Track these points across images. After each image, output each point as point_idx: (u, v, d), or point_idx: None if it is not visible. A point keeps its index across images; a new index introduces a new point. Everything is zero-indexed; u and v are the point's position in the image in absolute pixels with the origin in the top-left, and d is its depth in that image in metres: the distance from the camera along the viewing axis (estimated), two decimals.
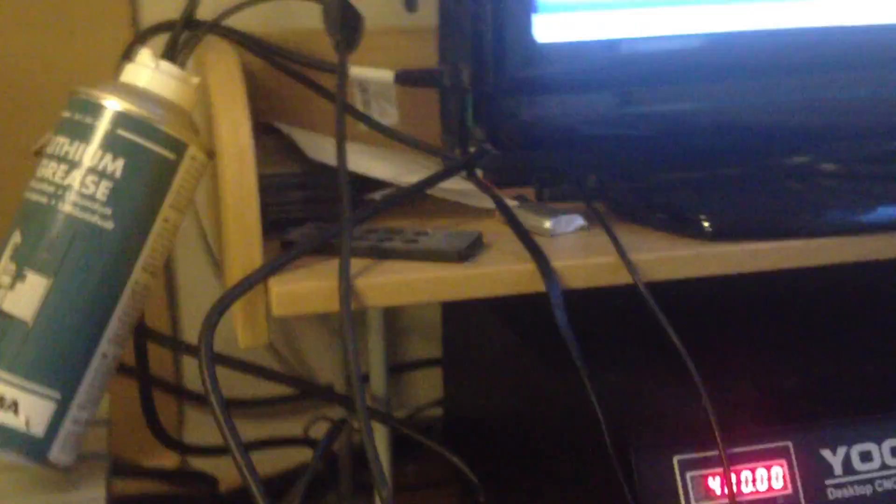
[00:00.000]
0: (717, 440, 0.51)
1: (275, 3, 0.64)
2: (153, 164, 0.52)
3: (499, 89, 0.60)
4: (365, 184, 0.63)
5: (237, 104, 0.53)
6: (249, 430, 0.86)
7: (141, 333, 0.71)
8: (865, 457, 0.54)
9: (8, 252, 0.52)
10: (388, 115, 0.67)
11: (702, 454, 0.52)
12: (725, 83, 0.64)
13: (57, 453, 0.52)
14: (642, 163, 0.65)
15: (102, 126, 0.51)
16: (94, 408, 0.54)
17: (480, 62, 0.60)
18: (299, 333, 0.88)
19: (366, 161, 0.64)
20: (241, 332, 0.55)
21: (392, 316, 0.88)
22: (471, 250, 0.56)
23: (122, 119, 0.51)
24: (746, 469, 0.52)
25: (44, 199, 0.51)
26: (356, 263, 0.54)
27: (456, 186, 0.64)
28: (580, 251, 0.57)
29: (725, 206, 0.61)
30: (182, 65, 0.55)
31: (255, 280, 0.52)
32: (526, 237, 0.57)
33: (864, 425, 0.54)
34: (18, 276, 0.51)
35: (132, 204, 0.52)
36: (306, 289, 0.52)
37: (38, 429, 0.51)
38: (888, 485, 0.53)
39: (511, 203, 0.61)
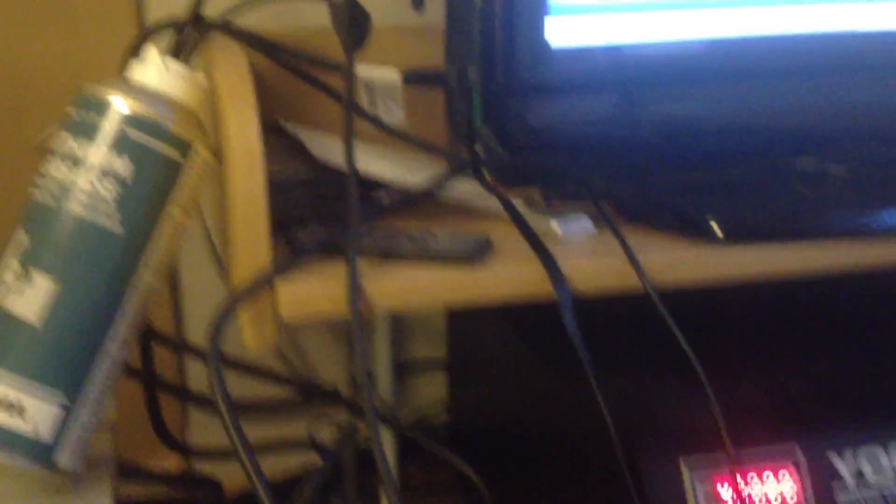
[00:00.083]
0: (725, 443, 0.51)
1: (280, 2, 0.64)
2: (160, 164, 0.52)
3: (508, 90, 0.60)
4: (370, 183, 0.63)
5: (246, 105, 0.53)
6: (251, 432, 0.85)
7: (146, 335, 0.71)
8: (873, 461, 0.54)
9: (13, 252, 0.51)
10: (395, 115, 0.67)
11: (710, 458, 0.51)
12: (734, 86, 0.64)
13: (63, 456, 0.52)
14: (650, 165, 0.65)
15: (109, 125, 0.51)
16: (100, 410, 0.53)
17: (490, 63, 0.60)
18: (302, 334, 0.88)
19: (371, 161, 0.64)
20: (247, 335, 0.54)
21: (396, 318, 0.88)
22: (479, 253, 0.55)
23: (129, 119, 0.51)
24: (754, 472, 0.52)
25: (50, 199, 0.51)
26: (363, 265, 0.53)
27: (463, 188, 0.63)
28: (588, 254, 0.57)
29: (735, 208, 0.61)
30: (188, 63, 0.55)
31: (264, 282, 0.52)
32: (534, 240, 0.56)
33: (872, 429, 0.54)
34: (24, 277, 0.50)
35: (139, 204, 0.51)
36: (314, 292, 0.52)
37: (45, 432, 0.51)
38: None
39: (518, 204, 0.61)
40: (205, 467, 0.85)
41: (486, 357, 0.76)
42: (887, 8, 0.65)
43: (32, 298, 0.50)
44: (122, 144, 0.51)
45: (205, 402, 0.84)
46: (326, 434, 0.81)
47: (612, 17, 0.61)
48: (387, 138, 0.66)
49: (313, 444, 0.85)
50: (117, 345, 0.52)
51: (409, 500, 0.84)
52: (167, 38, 0.61)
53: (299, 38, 0.69)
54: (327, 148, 0.65)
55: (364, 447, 0.80)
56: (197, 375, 0.85)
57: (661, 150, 0.65)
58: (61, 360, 0.51)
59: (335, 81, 0.65)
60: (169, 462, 0.83)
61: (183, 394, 0.85)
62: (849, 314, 0.71)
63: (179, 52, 0.55)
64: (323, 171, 0.63)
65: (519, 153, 0.62)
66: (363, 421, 0.69)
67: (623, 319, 0.67)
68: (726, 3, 0.62)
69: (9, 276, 0.51)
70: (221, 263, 0.82)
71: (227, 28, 0.63)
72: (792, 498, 0.52)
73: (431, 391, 0.90)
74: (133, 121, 0.51)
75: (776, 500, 0.52)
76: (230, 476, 0.82)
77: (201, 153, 0.53)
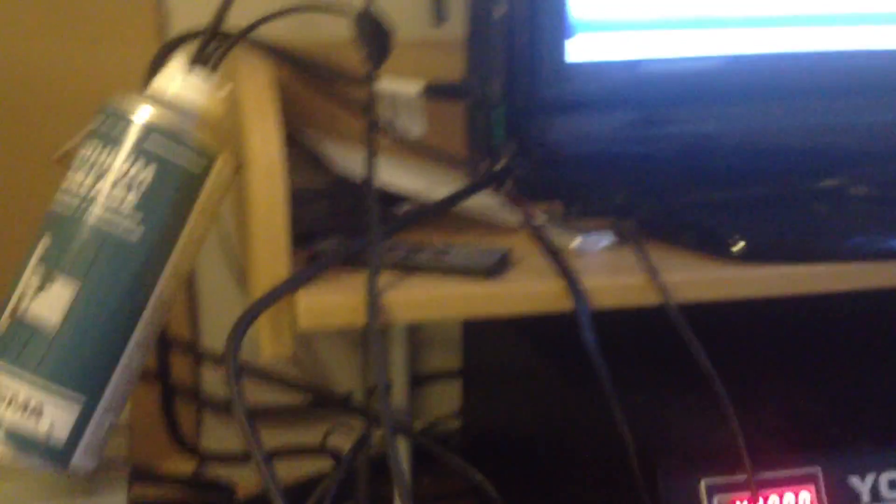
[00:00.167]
0: (745, 464, 0.51)
1: (302, 14, 0.64)
2: (182, 174, 0.52)
3: (531, 105, 0.60)
4: (390, 196, 0.63)
5: (269, 117, 0.53)
6: (265, 437, 0.85)
7: (164, 341, 0.71)
8: (894, 484, 0.53)
9: (38, 255, 0.51)
10: (415, 128, 0.67)
11: (729, 478, 0.51)
12: (756, 104, 0.64)
13: (79, 459, 0.52)
14: (671, 182, 0.65)
15: (132, 136, 0.51)
16: (118, 414, 0.54)
17: (512, 78, 0.60)
18: (317, 341, 0.88)
19: (392, 174, 0.64)
20: (265, 344, 0.54)
21: (412, 327, 0.88)
22: (499, 267, 0.55)
23: (151, 129, 0.51)
24: (774, 494, 0.51)
25: (72, 208, 0.51)
26: (382, 277, 0.53)
27: (483, 201, 0.63)
28: (609, 270, 0.57)
29: (756, 227, 0.60)
30: (212, 75, 0.55)
31: (284, 291, 0.52)
32: (555, 255, 0.56)
33: (893, 452, 0.54)
34: (47, 280, 0.51)
35: (160, 214, 0.52)
36: (333, 302, 0.52)
37: (62, 434, 0.51)
38: None
39: (540, 219, 0.61)
40: (218, 471, 0.85)
41: (501, 368, 0.76)
42: None
43: (55, 303, 0.51)
44: (145, 154, 0.51)
45: (219, 407, 0.84)
46: (340, 441, 0.81)
47: (634, 34, 0.61)
48: (406, 150, 0.66)
49: (327, 451, 0.85)
50: (137, 351, 0.53)
51: None
52: (191, 49, 0.62)
53: (320, 51, 0.69)
54: (348, 160, 0.65)
55: (377, 455, 0.80)
56: (211, 379, 0.85)
57: (682, 167, 0.65)
58: (82, 365, 0.51)
59: (356, 94, 0.65)
60: (183, 465, 0.84)
61: (197, 398, 0.85)
62: (871, 335, 0.70)
63: (204, 63, 0.55)
64: (343, 184, 0.63)
65: (541, 168, 0.62)
66: (377, 429, 0.69)
67: (641, 335, 0.66)
68: (748, 23, 0.62)
69: (33, 281, 0.51)
70: (238, 269, 0.82)
71: (251, 40, 0.63)
72: None
73: (446, 401, 0.90)
74: (157, 131, 0.51)
75: None
76: (243, 479, 0.83)
77: (223, 164, 0.53)
